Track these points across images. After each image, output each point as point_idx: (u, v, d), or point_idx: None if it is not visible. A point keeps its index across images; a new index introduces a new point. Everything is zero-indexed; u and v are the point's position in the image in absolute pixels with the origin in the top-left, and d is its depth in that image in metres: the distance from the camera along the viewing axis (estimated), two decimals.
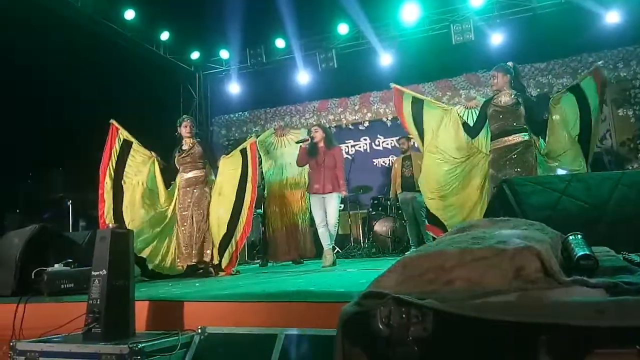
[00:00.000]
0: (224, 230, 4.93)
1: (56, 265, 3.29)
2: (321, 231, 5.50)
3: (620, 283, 0.88)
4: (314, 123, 10.08)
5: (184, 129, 5.16)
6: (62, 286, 3.12)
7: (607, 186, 2.62)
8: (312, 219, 5.89)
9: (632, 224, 2.41)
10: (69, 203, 6.60)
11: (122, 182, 5.07)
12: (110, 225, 4.75)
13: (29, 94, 7.18)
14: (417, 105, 5.04)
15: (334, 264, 5.37)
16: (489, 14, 8.83)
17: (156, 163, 5.20)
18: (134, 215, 5.02)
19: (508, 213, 2.51)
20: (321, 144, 5.52)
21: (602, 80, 4.41)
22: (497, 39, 8.74)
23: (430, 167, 4.94)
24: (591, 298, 0.85)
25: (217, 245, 4.95)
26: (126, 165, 5.12)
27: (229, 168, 5.13)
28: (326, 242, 5.45)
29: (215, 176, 5.22)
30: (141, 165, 5.17)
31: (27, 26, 6.96)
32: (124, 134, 5.18)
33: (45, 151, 7.39)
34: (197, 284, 3.79)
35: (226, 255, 4.93)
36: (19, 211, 6.70)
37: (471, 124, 4.84)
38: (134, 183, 5.10)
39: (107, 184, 5.02)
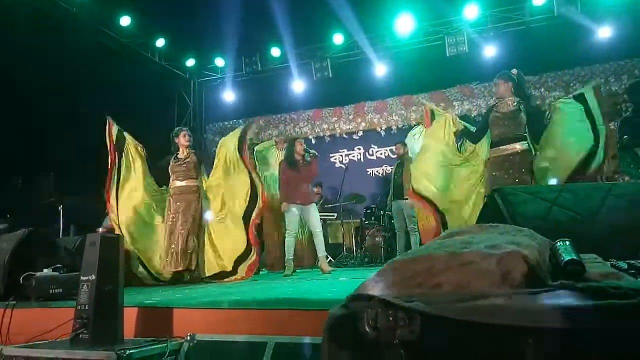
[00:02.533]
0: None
1: (45, 270, 3.26)
2: (290, 240, 5.64)
3: (606, 287, 0.88)
4: (308, 132, 10.17)
5: (183, 139, 5.26)
6: (51, 291, 3.08)
7: (598, 197, 2.63)
8: (309, 230, 6.03)
9: (621, 235, 2.42)
10: (59, 208, 6.56)
11: (120, 169, 5.22)
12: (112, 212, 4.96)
13: (21, 98, 7.15)
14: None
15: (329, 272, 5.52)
16: (483, 27, 8.93)
17: (142, 151, 5.31)
18: (129, 203, 5.15)
19: (499, 222, 2.52)
20: (300, 157, 5.74)
21: (600, 97, 4.44)
22: (490, 51, 8.82)
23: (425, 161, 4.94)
24: (577, 302, 0.85)
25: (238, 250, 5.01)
26: (123, 156, 5.25)
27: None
28: (290, 252, 5.66)
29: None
30: (133, 154, 5.30)
31: (21, 31, 6.94)
32: (116, 127, 5.29)
33: (36, 155, 7.35)
34: (186, 291, 3.76)
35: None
36: (8, 216, 6.63)
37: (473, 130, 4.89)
38: (130, 171, 5.24)
39: (113, 180, 5.18)
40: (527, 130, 4.44)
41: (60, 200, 6.67)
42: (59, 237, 5.53)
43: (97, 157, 5.38)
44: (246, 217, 5.01)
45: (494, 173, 4.44)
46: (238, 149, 5.19)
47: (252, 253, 4.96)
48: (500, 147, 4.45)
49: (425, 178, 4.82)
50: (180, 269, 4.88)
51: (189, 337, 2.27)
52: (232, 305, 2.47)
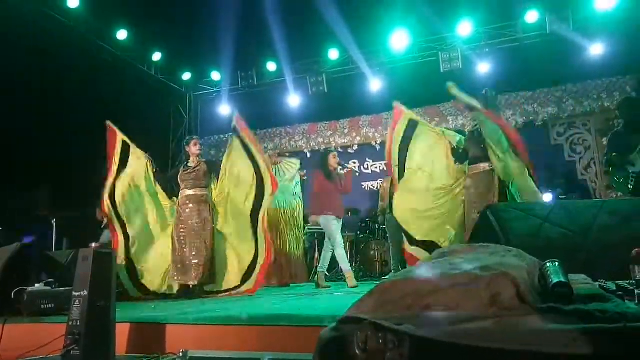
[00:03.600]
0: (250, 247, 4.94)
1: (37, 285, 3.23)
2: (342, 251, 5.60)
3: (593, 311, 0.89)
4: (304, 145, 10.19)
5: (194, 147, 5.22)
6: (42, 306, 3.06)
7: (589, 214, 2.65)
8: (304, 247, 5.97)
9: (613, 252, 2.43)
10: (53, 221, 6.51)
11: (124, 175, 5.14)
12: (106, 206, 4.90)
13: (18, 111, 7.15)
14: (411, 127, 5.06)
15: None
16: (477, 43, 9.04)
17: (150, 164, 5.22)
18: (132, 212, 5.09)
19: (492, 239, 2.53)
20: (334, 170, 5.74)
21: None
22: (484, 67, 8.92)
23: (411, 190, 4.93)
24: (565, 326, 0.86)
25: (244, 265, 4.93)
26: (127, 166, 5.18)
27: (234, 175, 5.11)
28: (346, 263, 5.66)
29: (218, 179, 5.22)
30: (138, 165, 5.23)
31: (17, 43, 6.97)
32: (121, 135, 5.24)
33: (30, 169, 7.33)
34: (180, 306, 3.74)
35: (253, 276, 4.89)
36: (1, 229, 6.59)
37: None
38: (133, 181, 5.16)
39: (110, 184, 5.10)
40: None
41: (54, 214, 6.63)
42: (52, 251, 5.48)
43: (92, 171, 5.36)
44: (254, 214, 4.90)
45: (468, 192, 4.52)
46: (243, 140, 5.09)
47: (258, 262, 4.85)
48: (472, 166, 4.59)
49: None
50: (190, 282, 4.78)
51: (181, 354, 2.25)
52: (226, 321, 2.46)
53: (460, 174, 4.76)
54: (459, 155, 4.84)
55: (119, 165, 5.16)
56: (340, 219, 5.68)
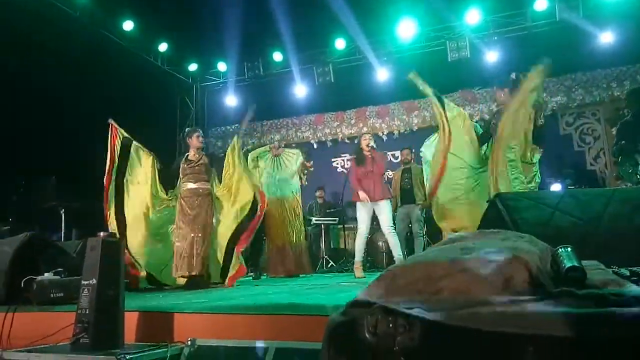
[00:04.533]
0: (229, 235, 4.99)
1: (46, 274, 3.25)
2: (361, 241, 5.48)
3: (608, 295, 0.87)
4: (310, 136, 10.18)
5: (196, 140, 5.13)
6: (52, 295, 3.07)
7: (600, 202, 2.62)
8: (306, 238, 5.90)
9: (624, 241, 2.40)
10: (61, 212, 6.55)
11: (125, 179, 5.09)
12: (111, 225, 4.88)
13: (24, 102, 7.17)
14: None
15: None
16: (485, 32, 8.95)
17: (155, 163, 5.21)
18: (136, 214, 5.07)
19: (500, 227, 2.51)
20: (368, 152, 5.50)
21: None
22: (492, 56, 8.84)
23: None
24: (578, 309, 0.85)
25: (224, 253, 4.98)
26: (128, 164, 5.12)
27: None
28: (359, 254, 5.54)
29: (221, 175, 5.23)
30: (143, 164, 5.18)
31: (23, 34, 6.97)
32: (122, 132, 5.16)
33: (38, 159, 7.36)
34: (188, 295, 3.75)
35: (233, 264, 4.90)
36: (10, 220, 6.64)
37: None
38: (137, 181, 5.14)
39: (111, 183, 5.04)
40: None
41: (62, 204, 6.66)
42: (61, 241, 5.51)
43: (99, 161, 5.34)
44: (235, 235, 4.97)
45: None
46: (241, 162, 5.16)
47: (233, 263, 4.89)
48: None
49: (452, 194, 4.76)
50: (193, 273, 4.77)
51: (189, 342, 2.26)
52: (234, 309, 2.46)
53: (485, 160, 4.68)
54: (482, 137, 4.79)
55: (118, 164, 5.07)
56: (375, 201, 5.38)
